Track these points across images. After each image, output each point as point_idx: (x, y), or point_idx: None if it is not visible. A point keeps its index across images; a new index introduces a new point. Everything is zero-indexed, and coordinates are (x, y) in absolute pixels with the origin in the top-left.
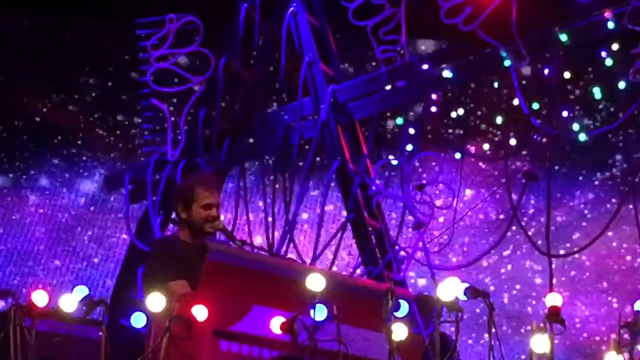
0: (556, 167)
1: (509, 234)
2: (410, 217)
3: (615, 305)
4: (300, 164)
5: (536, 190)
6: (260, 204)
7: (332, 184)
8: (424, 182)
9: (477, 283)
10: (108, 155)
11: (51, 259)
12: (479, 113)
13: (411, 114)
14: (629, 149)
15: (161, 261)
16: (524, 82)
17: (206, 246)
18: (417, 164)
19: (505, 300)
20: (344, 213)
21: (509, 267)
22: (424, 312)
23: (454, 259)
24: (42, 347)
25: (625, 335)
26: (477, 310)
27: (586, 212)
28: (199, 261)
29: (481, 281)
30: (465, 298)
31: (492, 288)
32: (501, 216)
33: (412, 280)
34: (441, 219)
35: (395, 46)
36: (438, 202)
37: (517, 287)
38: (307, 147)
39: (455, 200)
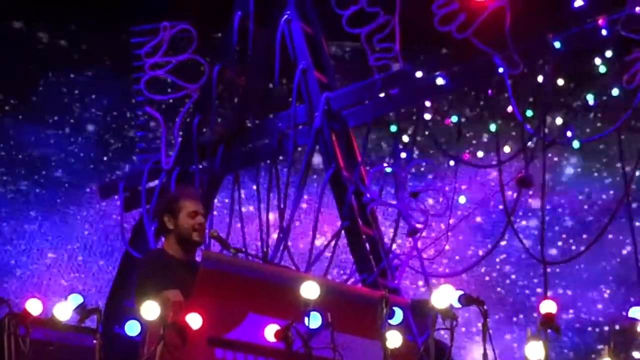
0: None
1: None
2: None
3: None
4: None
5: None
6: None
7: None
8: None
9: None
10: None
11: None
12: (472, 120)
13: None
14: (623, 155)
15: (152, 274)
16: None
17: (195, 261)
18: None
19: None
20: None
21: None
22: (419, 317)
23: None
24: (37, 356)
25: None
26: None
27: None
28: (187, 275)
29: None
30: (459, 305)
31: (487, 278)
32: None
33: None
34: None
35: (389, 54)
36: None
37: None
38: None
39: (450, 207)
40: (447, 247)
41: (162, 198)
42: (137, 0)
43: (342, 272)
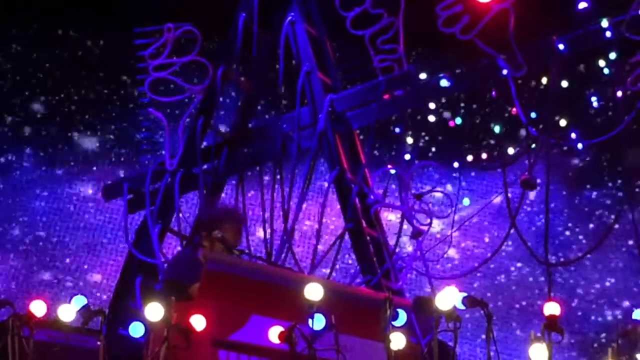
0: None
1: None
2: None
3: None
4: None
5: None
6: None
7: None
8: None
9: None
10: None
11: None
12: (477, 122)
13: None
14: (627, 159)
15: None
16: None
17: None
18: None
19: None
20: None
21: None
22: (422, 314)
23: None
24: (40, 357)
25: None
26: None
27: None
28: None
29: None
30: (463, 307)
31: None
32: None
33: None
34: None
35: (393, 55)
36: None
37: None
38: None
39: (454, 209)
40: (452, 247)
41: (208, 215)
42: (141, 1)
43: (345, 273)
